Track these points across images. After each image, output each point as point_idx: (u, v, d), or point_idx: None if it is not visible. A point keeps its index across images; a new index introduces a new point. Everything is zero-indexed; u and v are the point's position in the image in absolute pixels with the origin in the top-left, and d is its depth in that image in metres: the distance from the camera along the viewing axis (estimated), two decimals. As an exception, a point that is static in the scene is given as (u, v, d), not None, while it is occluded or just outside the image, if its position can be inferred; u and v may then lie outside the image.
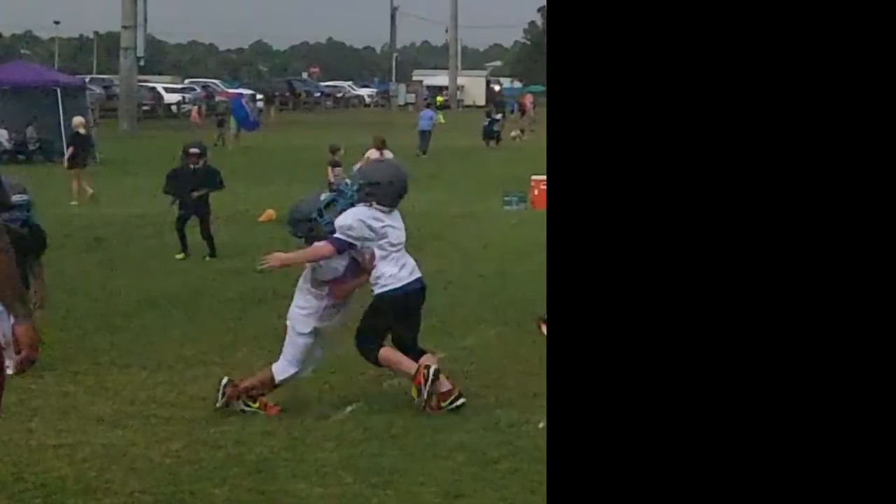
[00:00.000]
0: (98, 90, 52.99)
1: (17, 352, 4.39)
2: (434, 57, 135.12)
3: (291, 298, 12.50)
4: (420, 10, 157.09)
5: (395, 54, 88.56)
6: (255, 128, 39.45)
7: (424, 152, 36.18)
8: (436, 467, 6.39)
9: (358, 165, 21.04)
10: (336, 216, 7.52)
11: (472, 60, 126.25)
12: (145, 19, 43.61)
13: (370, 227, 7.46)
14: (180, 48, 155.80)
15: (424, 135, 37.34)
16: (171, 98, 59.11)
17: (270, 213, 19.32)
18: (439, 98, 66.48)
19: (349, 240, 7.43)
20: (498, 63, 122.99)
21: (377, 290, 7.55)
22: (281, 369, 7.62)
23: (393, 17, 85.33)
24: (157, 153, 30.55)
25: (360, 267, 7.54)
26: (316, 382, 8.34)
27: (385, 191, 7.53)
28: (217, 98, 60.55)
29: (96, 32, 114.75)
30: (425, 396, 7.32)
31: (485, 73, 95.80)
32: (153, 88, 59.76)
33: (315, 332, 7.61)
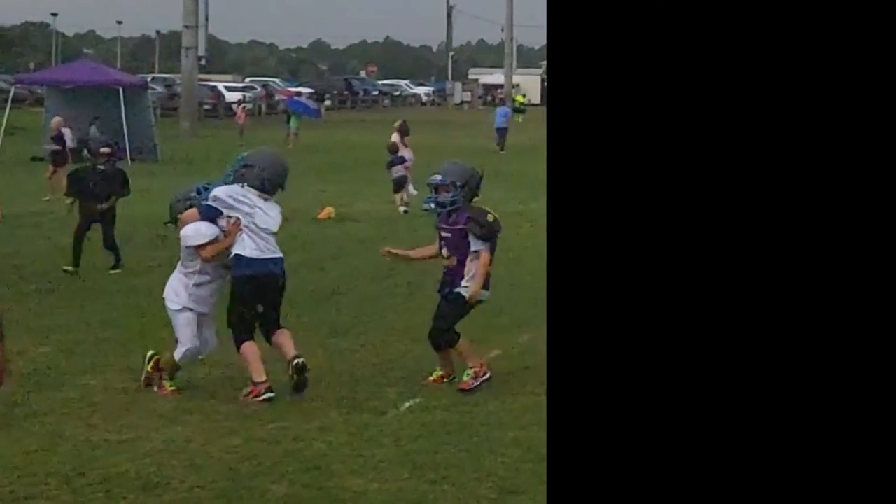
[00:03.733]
0: (160, 89, 53.52)
1: None
2: (490, 55, 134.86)
3: (351, 295, 12.44)
4: (476, 9, 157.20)
5: (451, 53, 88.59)
6: (318, 116, 40.56)
7: (502, 149, 35.93)
8: (492, 463, 6.41)
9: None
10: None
11: (527, 59, 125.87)
12: (206, 19, 43.90)
13: (236, 200, 7.98)
14: (241, 47, 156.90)
15: (501, 132, 37.07)
16: (232, 97, 59.54)
17: (329, 210, 19.46)
18: (519, 98, 65.12)
19: (215, 206, 7.98)
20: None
21: (233, 252, 7.96)
22: (177, 351, 8.16)
23: (449, 16, 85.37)
24: (218, 151, 30.82)
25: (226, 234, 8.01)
26: (373, 379, 8.38)
27: (256, 175, 8.07)
28: (277, 97, 61.00)
29: (158, 32, 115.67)
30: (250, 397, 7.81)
31: (539, 71, 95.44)
32: (214, 87, 60.25)
33: (191, 311, 8.11)
